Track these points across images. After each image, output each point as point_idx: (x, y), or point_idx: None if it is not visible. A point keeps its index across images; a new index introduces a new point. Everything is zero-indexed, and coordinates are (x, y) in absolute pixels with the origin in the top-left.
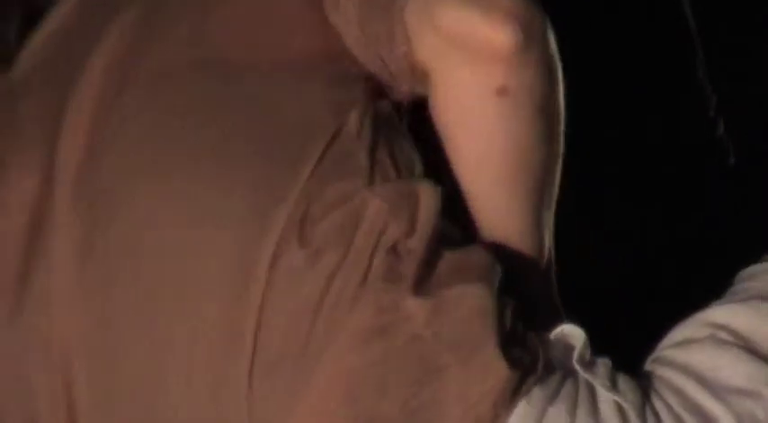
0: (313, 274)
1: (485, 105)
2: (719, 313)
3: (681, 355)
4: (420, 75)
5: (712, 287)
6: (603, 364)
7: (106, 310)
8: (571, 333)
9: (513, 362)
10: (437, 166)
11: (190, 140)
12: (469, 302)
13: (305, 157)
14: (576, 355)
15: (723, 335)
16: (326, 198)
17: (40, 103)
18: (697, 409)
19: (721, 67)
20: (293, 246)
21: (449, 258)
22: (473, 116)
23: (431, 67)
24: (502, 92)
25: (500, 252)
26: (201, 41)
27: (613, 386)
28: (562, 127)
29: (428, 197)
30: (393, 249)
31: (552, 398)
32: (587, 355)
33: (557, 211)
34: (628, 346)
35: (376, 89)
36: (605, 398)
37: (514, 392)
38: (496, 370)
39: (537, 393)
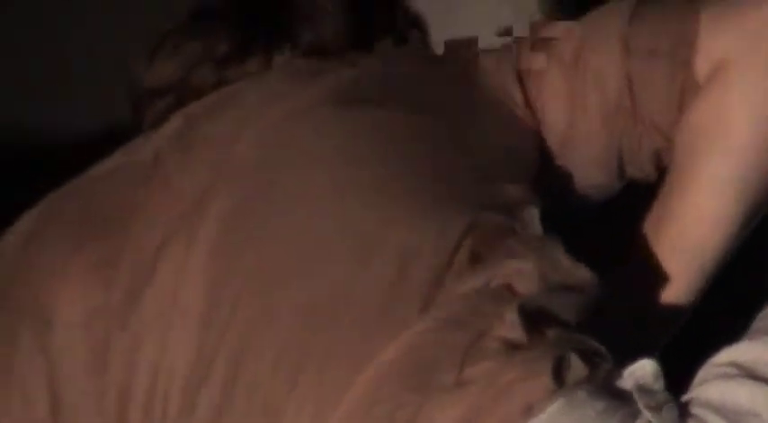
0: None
1: None
2: (728, 353)
3: (700, 394)
4: (688, 95)
5: (713, 289)
6: (664, 395)
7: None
8: (643, 367)
9: (559, 367)
10: None
11: (374, 156)
12: (552, 349)
13: (472, 195)
14: (636, 383)
15: (729, 370)
16: (484, 223)
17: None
18: None
19: None
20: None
21: (557, 333)
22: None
23: (724, 66)
24: None
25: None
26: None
27: (658, 412)
28: None
29: (585, 277)
30: (510, 287)
31: (600, 412)
32: (654, 387)
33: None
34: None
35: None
36: (644, 419)
37: (555, 389)
38: (542, 366)
39: (581, 396)
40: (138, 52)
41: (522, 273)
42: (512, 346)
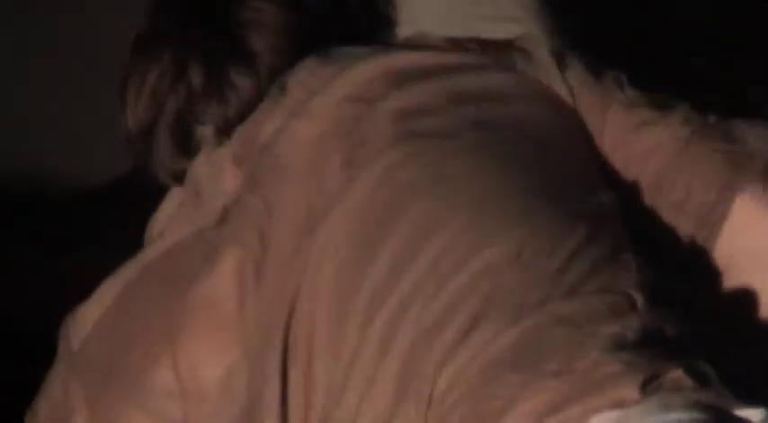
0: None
1: None
2: None
3: None
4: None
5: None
6: None
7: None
8: (755, 414)
9: (661, 372)
10: None
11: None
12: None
13: (580, 205)
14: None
15: None
16: (600, 236)
17: None
18: None
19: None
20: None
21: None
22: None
23: (738, 265)
24: None
25: None
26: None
27: None
28: None
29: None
30: (630, 297)
31: (698, 420)
32: None
33: None
34: None
35: None
36: None
37: (651, 389)
38: (642, 366)
39: (678, 401)
40: None
41: (637, 286)
42: (619, 345)
